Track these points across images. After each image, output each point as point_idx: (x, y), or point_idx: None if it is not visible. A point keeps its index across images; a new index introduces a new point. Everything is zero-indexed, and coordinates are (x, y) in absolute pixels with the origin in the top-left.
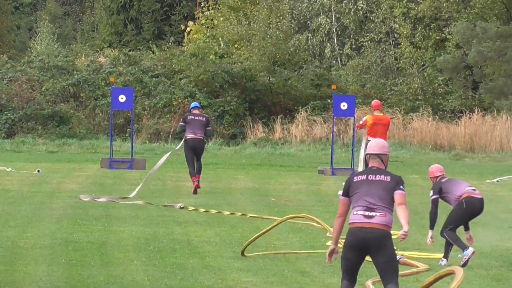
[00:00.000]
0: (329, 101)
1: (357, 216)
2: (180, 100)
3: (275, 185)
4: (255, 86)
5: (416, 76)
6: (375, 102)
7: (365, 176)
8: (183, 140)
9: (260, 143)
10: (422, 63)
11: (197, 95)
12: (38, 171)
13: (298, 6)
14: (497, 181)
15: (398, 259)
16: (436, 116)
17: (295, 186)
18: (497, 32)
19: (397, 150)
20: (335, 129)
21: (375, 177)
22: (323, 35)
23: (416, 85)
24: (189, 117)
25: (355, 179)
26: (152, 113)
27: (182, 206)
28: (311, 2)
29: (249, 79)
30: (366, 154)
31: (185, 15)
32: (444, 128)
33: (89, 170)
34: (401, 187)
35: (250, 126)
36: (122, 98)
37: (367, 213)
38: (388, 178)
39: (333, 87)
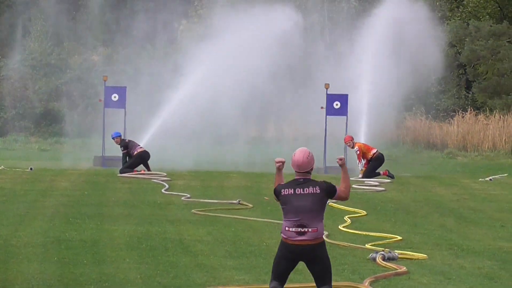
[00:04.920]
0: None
1: (289, 232)
2: None
3: (268, 184)
4: None
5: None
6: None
7: (293, 190)
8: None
9: (253, 142)
10: None
11: None
12: (31, 168)
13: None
14: (490, 179)
15: (379, 255)
16: (429, 115)
17: None
18: (490, 31)
19: (389, 149)
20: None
21: (303, 190)
22: (316, 34)
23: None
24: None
25: (283, 192)
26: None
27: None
28: (304, 1)
29: None
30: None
31: (179, 13)
32: (437, 127)
33: (82, 168)
34: (334, 192)
35: (243, 125)
36: (115, 97)
37: (299, 229)
38: (317, 190)
39: (326, 85)
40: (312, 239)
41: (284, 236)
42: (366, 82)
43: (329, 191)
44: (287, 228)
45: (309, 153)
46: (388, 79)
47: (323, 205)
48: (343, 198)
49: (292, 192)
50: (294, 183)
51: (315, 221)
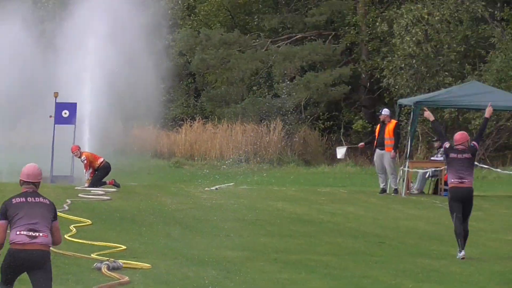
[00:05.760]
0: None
1: (20, 236)
2: None
3: None
4: None
5: None
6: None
7: (24, 198)
8: None
9: None
10: None
11: None
12: None
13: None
14: (216, 189)
15: (104, 264)
16: (158, 124)
17: None
18: (221, 40)
19: (117, 158)
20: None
21: (34, 199)
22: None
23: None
24: None
25: (14, 201)
26: None
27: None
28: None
29: None
30: (20, 180)
31: None
32: (164, 136)
33: None
34: (56, 217)
35: None
36: None
37: (30, 233)
38: (47, 201)
39: (55, 94)
40: (42, 244)
41: (12, 241)
42: (88, 88)
43: (55, 215)
44: (18, 232)
45: (39, 167)
46: (109, 87)
47: (53, 217)
48: (56, 240)
49: (25, 200)
50: (24, 194)
51: (46, 229)
